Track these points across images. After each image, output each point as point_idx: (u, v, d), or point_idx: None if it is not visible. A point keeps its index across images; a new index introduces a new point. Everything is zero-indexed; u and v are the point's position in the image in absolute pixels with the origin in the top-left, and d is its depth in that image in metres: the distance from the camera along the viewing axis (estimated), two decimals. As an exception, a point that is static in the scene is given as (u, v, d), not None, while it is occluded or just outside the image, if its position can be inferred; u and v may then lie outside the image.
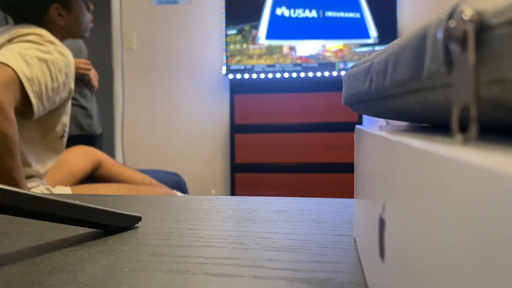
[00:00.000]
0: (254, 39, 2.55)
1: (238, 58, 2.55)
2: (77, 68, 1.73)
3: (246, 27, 2.55)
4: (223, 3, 2.58)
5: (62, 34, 1.13)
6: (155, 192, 1.22)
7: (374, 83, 0.22)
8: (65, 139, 1.10)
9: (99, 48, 3.46)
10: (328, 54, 2.47)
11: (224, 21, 2.57)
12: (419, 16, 2.50)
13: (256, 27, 2.55)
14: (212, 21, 2.69)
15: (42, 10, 1.08)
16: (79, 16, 1.14)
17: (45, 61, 0.96)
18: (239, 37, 2.56)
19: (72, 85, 1.06)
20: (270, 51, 2.54)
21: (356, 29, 2.47)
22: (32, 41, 0.97)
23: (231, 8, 2.55)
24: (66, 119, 1.10)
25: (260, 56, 2.55)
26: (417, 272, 0.13)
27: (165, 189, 1.30)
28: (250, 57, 2.55)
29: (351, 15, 2.47)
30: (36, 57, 0.94)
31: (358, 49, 2.47)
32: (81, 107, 1.78)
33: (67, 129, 1.11)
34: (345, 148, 2.38)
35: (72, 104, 1.73)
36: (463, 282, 0.09)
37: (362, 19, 2.46)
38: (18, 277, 0.26)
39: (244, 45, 2.56)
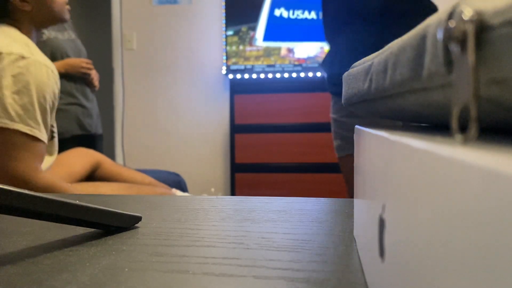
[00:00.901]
0: (251, 41, 2.54)
1: (234, 60, 2.54)
2: (79, 68, 1.72)
3: (244, 28, 2.54)
4: (223, 3, 2.57)
5: (36, 22, 1.06)
6: (154, 191, 1.22)
7: (374, 83, 0.22)
8: (55, 140, 1.09)
9: (99, 48, 3.46)
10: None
11: (224, 21, 2.57)
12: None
13: (254, 28, 2.53)
14: (212, 21, 2.69)
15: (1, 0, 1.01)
16: None
17: (42, 97, 0.93)
18: (235, 39, 2.55)
19: (59, 85, 1.04)
20: (268, 53, 2.52)
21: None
22: (14, 76, 0.91)
23: (231, 8, 2.55)
24: (51, 120, 1.07)
25: (257, 58, 2.53)
26: (417, 272, 0.13)
27: (164, 189, 1.30)
28: (246, 59, 2.54)
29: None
30: (35, 102, 0.92)
31: (357, 52, 2.46)
32: (83, 106, 1.79)
33: (55, 129, 1.09)
34: (345, 148, 2.38)
35: (74, 104, 1.74)
36: (463, 282, 0.09)
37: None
38: (18, 277, 0.26)
39: (241, 47, 2.55)
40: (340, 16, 1.09)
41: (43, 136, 0.95)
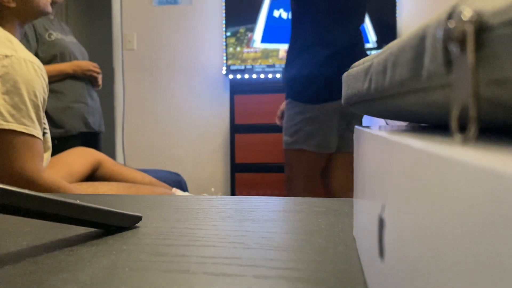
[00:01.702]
0: (249, 42, 2.53)
1: (230, 62, 2.53)
2: (87, 70, 1.81)
3: (241, 30, 2.53)
4: (223, 4, 2.57)
5: (21, 18, 1.07)
6: (153, 191, 1.22)
7: (373, 84, 0.22)
8: (47, 136, 1.08)
9: (100, 49, 3.46)
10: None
11: (224, 22, 2.57)
12: (418, 20, 2.50)
13: (252, 30, 2.52)
14: (212, 21, 2.69)
15: None
16: None
17: (33, 94, 0.93)
18: (232, 40, 2.54)
19: (47, 80, 1.04)
20: (266, 54, 2.51)
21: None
22: (0, 76, 0.91)
23: (231, 8, 2.54)
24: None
25: (254, 60, 2.52)
26: (417, 271, 0.13)
27: (164, 188, 1.30)
28: (244, 61, 2.53)
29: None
30: (27, 100, 0.92)
31: (355, 55, 2.45)
32: (88, 105, 1.87)
33: (46, 125, 1.08)
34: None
35: (80, 102, 1.83)
36: (463, 282, 0.09)
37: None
38: (18, 277, 0.26)
39: (238, 48, 2.53)
40: (306, 42, 1.43)
41: (39, 133, 0.95)
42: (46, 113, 1.80)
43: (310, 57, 1.39)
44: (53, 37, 1.77)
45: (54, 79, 1.72)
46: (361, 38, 1.48)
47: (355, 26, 1.46)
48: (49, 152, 1.11)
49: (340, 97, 1.42)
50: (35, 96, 0.94)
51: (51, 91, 1.74)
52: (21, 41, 1.71)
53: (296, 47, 1.44)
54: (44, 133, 1.05)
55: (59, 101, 1.74)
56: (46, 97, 0.99)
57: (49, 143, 1.10)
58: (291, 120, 1.46)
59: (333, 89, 1.36)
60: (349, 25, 1.44)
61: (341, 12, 1.41)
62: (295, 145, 1.46)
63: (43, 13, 1.12)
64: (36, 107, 0.94)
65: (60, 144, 1.70)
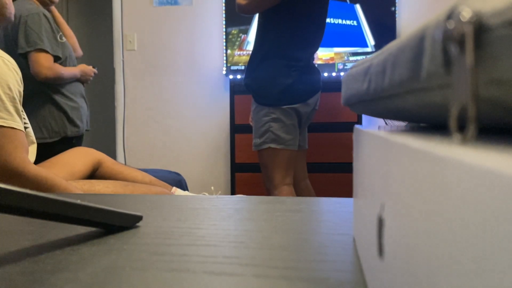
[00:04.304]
0: (241, 45, 2.52)
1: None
2: (89, 76, 1.94)
3: (234, 31, 2.51)
4: (224, 4, 2.57)
5: None
6: (149, 189, 1.22)
7: (372, 84, 0.22)
8: (28, 130, 1.08)
9: (100, 49, 3.46)
10: (319, 62, 2.45)
11: (224, 22, 2.57)
12: (418, 23, 2.49)
13: (246, 32, 2.51)
14: (213, 22, 2.69)
15: None
16: None
17: (7, 87, 0.94)
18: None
19: (20, 73, 1.04)
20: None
21: (353, 37, 2.44)
22: None
23: (231, 9, 2.54)
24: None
25: (246, 63, 2.51)
26: (416, 270, 0.13)
27: (161, 188, 1.29)
28: (234, 64, 2.52)
29: (348, 22, 2.44)
30: (1, 94, 0.92)
31: (351, 58, 2.44)
32: (88, 106, 2.00)
33: (26, 120, 1.09)
34: (345, 148, 2.38)
35: (84, 102, 1.95)
36: (462, 281, 0.10)
37: (359, 27, 2.44)
38: (19, 276, 0.26)
39: (229, 51, 2.52)
40: (268, 54, 1.56)
41: (20, 125, 0.95)
42: (66, 114, 1.81)
43: (272, 67, 1.54)
44: (63, 39, 1.86)
45: (68, 82, 1.83)
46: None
47: (318, 42, 1.62)
48: (34, 146, 1.10)
49: (298, 101, 1.55)
50: (9, 89, 0.94)
51: (65, 94, 1.83)
52: (49, 41, 1.75)
53: (259, 57, 1.57)
54: (25, 127, 1.05)
55: (73, 102, 1.87)
56: (21, 90, 0.99)
57: (32, 137, 1.10)
58: (259, 122, 1.59)
59: (292, 94, 1.53)
60: (312, 45, 1.59)
61: (306, 32, 1.55)
62: (265, 145, 1.58)
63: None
64: (12, 100, 0.94)
65: (77, 143, 1.85)
